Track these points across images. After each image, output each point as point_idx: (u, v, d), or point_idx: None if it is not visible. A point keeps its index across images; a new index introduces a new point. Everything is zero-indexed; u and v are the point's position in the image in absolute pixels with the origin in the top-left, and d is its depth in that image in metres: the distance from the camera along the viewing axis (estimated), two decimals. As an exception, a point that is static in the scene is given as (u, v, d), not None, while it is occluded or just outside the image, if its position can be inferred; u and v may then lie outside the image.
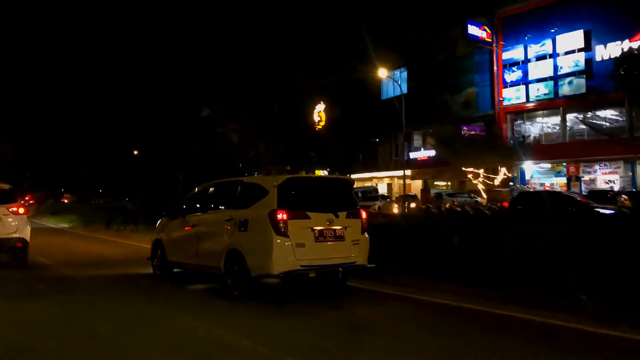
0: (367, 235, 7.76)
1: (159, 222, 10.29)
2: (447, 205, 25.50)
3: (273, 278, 7.16)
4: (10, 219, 10.43)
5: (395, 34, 36.89)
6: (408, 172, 34.98)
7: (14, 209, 10.53)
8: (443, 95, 35.38)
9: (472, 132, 32.34)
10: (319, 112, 43.21)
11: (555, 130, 32.26)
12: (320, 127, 41.29)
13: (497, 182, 30.08)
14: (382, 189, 42.19)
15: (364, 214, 7.85)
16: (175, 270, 9.43)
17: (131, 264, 11.43)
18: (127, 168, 56.53)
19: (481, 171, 30.49)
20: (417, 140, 39.81)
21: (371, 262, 7.71)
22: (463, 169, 30.81)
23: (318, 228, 7.23)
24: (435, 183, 38.94)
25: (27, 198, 20.99)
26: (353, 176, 37.64)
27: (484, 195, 29.65)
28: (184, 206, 9.36)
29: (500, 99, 33.34)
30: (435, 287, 8.01)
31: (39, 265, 11.37)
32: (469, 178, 31.58)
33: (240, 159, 41.73)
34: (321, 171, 41.38)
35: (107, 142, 59.59)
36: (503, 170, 30.31)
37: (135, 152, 56.35)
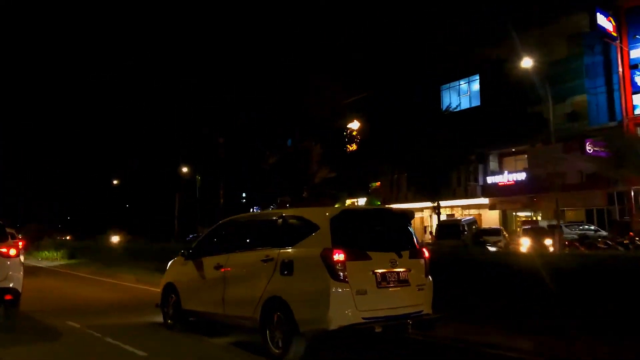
0: (430, 279, 6.52)
1: (170, 263, 8.92)
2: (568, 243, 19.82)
3: (327, 334, 5.81)
4: None
5: (461, 38, 30.30)
6: (483, 201, 31.31)
7: (4, 250, 8.20)
8: (534, 107, 27.96)
9: (598, 149, 24.95)
10: (351, 131, 34.91)
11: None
12: (352, 148, 33.34)
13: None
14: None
15: (426, 253, 6.62)
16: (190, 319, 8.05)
17: (134, 311, 9.98)
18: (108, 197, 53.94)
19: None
20: (493, 162, 33.13)
21: None
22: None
23: (380, 271, 5.97)
24: (519, 214, 32.63)
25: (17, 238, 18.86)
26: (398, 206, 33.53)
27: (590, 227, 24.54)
28: (205, 244, 8.05)
29: (630, 107, 26.59)
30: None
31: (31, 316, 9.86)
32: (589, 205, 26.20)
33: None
34: (356, 200, 35.85)
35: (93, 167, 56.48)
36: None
37: (115, 182, 54.07)
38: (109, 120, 55.25)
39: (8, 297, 8.07)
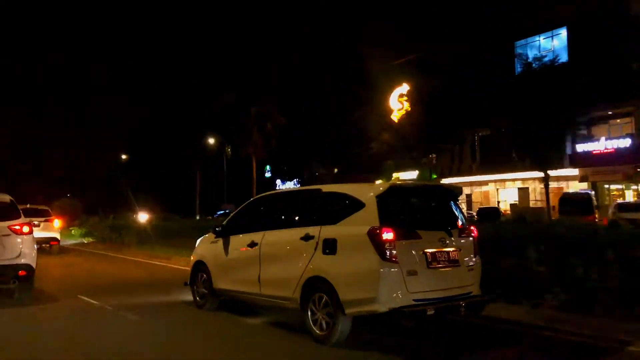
0: (479, 259, 6.19)
1: (199, 240, 8.65)
2: None
3: (373, 316, 5.51)
4: (11, 240, 8.25)
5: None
6: (571, 172, 26.77)
7: (17, 227, 8.34)
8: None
9: None
10: (401, 97, 30.23)
11: None
12: (399, 116, 29.32)
13: None
14: (506, 197, 31.93)
15: (475, 232, 6.27)
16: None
17: (164, 290, 9.78)
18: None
19: None
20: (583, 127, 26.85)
21: None
22: None
23: (430, 250, 5.64)
24: (612, 187, 28.31)
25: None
26: (453, 180, 29.73)
27: None
28: (237, 221, 7.74)
29: None
30: None
31: (60, 292, 9.72)
32: None
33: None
34: (399, 174, 31.23)
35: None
36: None
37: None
38: (131, 90, 53.60)
39: (22, 273, 8.23)
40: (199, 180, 43.62)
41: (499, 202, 32.84)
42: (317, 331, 5.82)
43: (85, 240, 24.89)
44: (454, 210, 6.29)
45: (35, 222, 16.35)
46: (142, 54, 62.66)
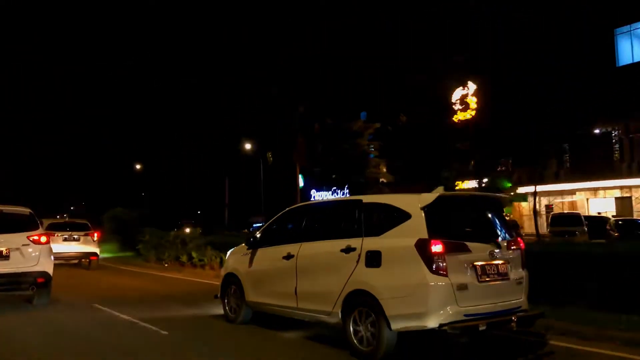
0: (526, 272, 5.96)
1: (230, 252, 8.51)
2: None
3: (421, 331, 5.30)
4: (30, 250, 8.89)
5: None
6: (633, 182, 23.92)
7: (35, 237, 9.01)
8: None
9: None
10: (464, 97, 26.69)
11: None
12: (463, 118, 25.94)
13: None
14: (599, 208, 27.58)
15: (522, 244, 6.06)
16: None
17: (193, 302, 9.63)
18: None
19: None
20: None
21: None
22: None
23: (480, 263, 5.43)
24: None
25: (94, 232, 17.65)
26: (530, 189, 26.05)
27: None
28: (271, 232, 7.58)
29: None
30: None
31: (86, 305, 9.63)
32: None
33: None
34: (462, 183, 27.88)
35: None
36: None
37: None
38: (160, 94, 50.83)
39: (40, 280, 8.86)
40: (227, 189, 40.10)
41: (599, 213, 27.74)
42: (361, 347, 5.62)
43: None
44: (502, 221, 6.09)
45: (75, 236, 16.67)
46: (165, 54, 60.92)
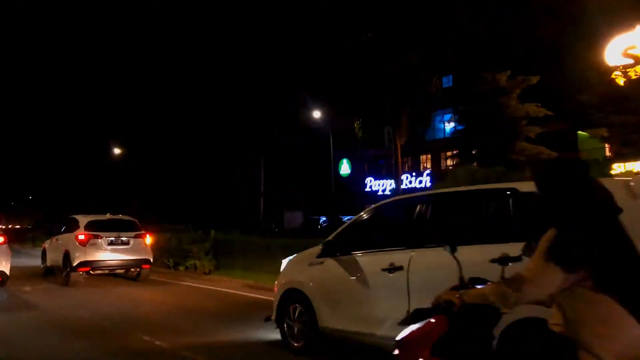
0: None
1: (289, 261, 6.64)
2: None
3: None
4: None
5: None
6: None
7: None
8: None
9: None
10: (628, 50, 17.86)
11: None
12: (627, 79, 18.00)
13: None
14: None
15: None
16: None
17: (236, 324, 7.71)
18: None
19: None
20: None
21: None
22: None
23: None
24: None
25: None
26: None
27: None
28: (356, 235, 5.73)
29: None
30: None
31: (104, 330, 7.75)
32: None
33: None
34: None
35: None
36: None
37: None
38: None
39: None
40: (263, 177, 32.28)
41: None
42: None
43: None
44: None
45: (124, 239, 12.56)
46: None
